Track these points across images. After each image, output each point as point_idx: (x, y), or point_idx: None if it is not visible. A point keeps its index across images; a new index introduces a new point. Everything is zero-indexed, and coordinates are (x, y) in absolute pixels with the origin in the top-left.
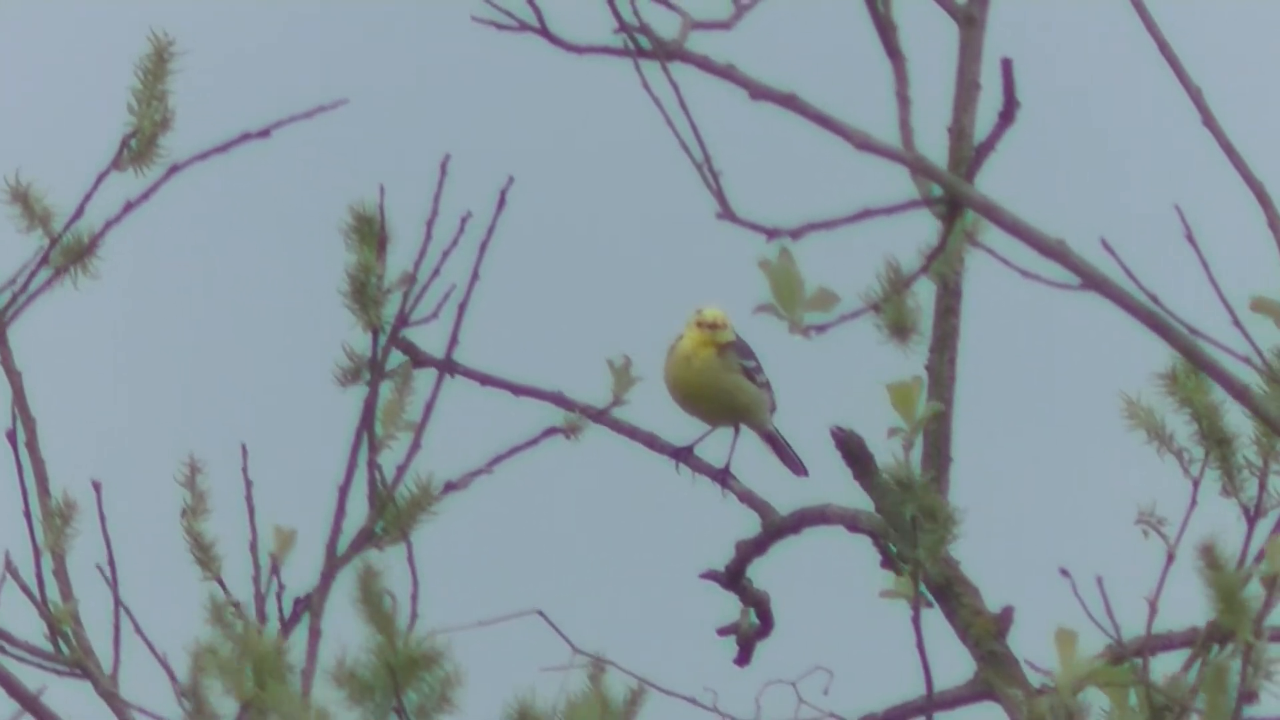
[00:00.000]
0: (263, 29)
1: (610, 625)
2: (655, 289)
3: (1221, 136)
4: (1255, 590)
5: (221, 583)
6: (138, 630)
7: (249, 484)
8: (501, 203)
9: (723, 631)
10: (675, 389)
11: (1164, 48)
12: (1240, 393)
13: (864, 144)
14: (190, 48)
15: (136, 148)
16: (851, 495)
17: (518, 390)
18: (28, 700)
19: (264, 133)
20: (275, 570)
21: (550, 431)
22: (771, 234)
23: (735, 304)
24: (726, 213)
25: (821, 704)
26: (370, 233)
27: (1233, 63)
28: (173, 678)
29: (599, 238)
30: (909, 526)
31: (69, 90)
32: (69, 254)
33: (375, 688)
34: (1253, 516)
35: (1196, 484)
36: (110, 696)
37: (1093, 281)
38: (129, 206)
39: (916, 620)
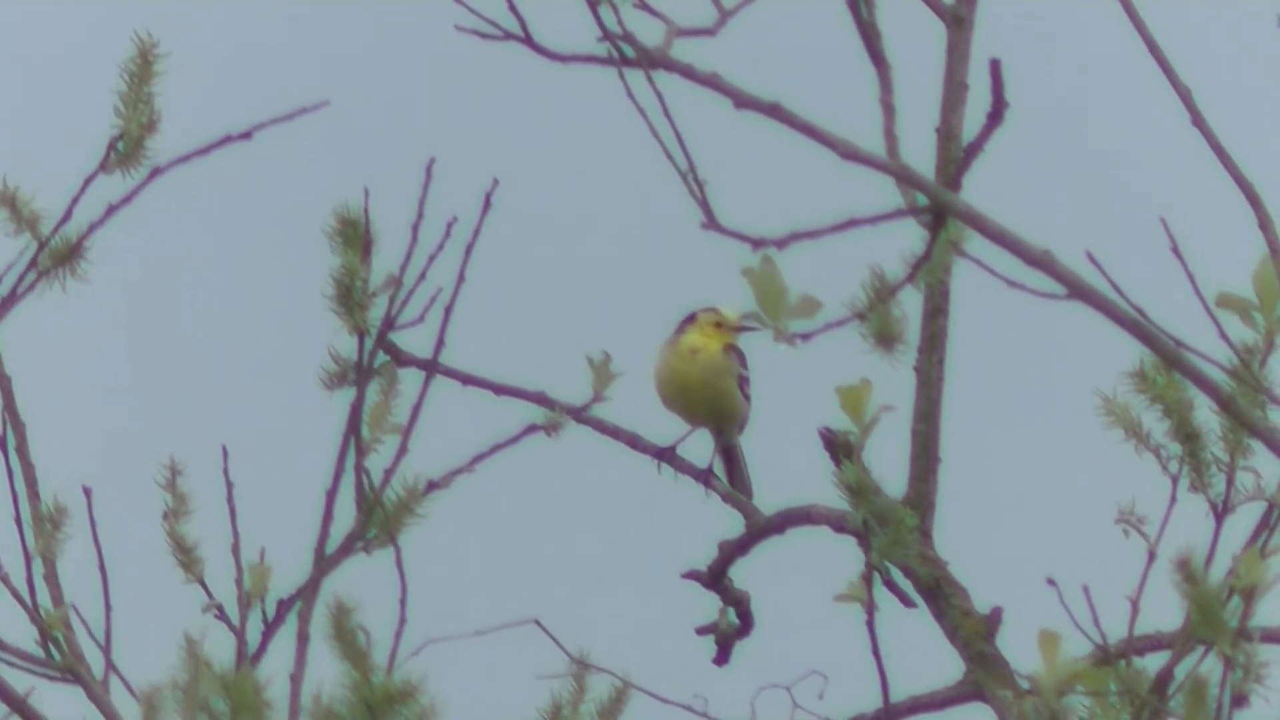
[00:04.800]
0: (250, 32)
1: (593, 626)
2: (640, 298)
3: (1211, 136)
4: (1233, 602)
5: (204, 584)
6: (107, 644)
7: (230, 485)
8: (487, 205)
9: (701, 630)
10: (670, 382)
11: (1153, 48)
12: (1226, 403)
13: (849, 153)
14: (175, 50)
15: (123, 150)
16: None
17: (500, 390)
18: (16, 702)
19: (246, 134)
20: (243, 613)
21: (531, 429)
22: (757, 243)
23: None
24: (711, 222)
25: (816, 708)
26: (355, 236)
27: (1222, 63)
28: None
29: (585, 246)
30: (863, 530)
31: (55, 93)
32: (57, 258)
33: None
34: (1221, 513)
35: (1175, 481)
36: (100, 702)
37: (1078, 291)
38: (111, 209)
39: (871, 625)
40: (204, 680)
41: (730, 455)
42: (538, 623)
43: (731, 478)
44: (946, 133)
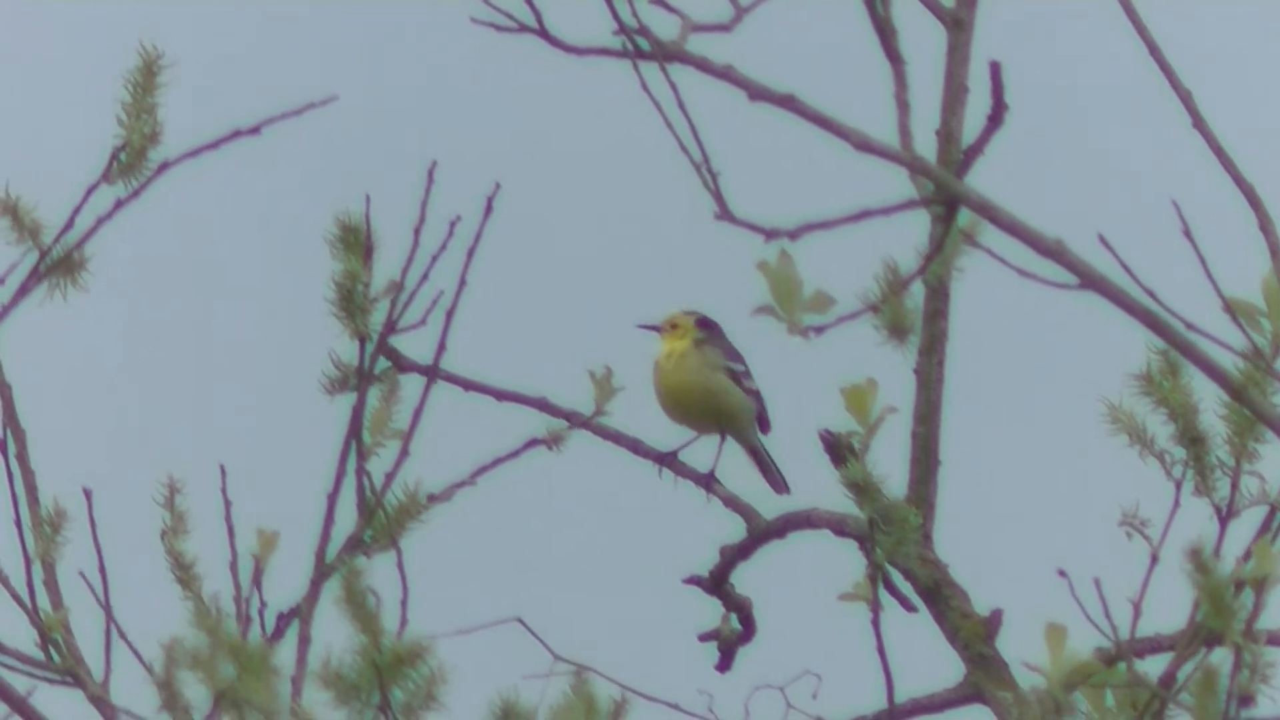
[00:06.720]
0: (256, 32)
1: (594, 631)
2: (653, 291)
3: (1211, 139)
4: (1243, 595)
5: (202, 600)
6: (122, 638)
7: (228, 504)
8: (488, 209)
9: (704, 637)
10: (661, 394)
11: (1154, 50)
12: (1238, 392)
13: (862, 144)
14: (179, 52)
15: (126, 160)
16: (840, 498)
17: (501, 396)
18: (17, 703)
19: (254, 130)
20: (258, 584)
21: (533, 442)
22: (770, 234)
23: (733, 306)
24: (725, 213)
25: (810, 709)
26: (356, 241)
27: (1222, 65)
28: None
29: (596, 239)
30: (867, 529)
31: (58, 102)
32: (58, 265)
33: (361, 687)
34: (1225, 517)
35: (1179, 485)
36: (101, 704)
37: (1091, 281)
38: (119, 203)
39: (876, 624)
40: (218, 639)
41: (757, 455)
42: (520, 621)
43: (765, 476)
44: (946, 135)
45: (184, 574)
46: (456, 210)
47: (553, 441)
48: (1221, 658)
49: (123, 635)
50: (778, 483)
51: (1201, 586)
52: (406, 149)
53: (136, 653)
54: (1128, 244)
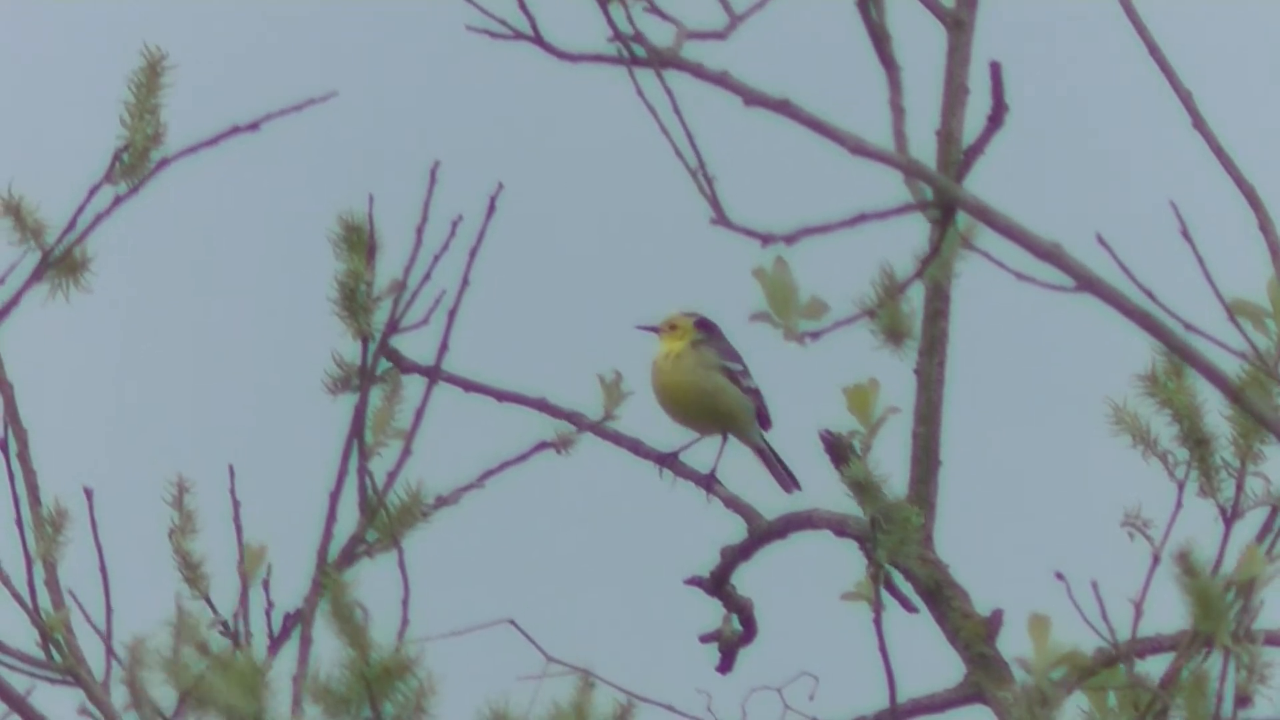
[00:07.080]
0: (256, 33)
1: (594, 632)
2: (649, 296)
3: (1212, 139)
4: (1233, 596)
5: (209, 601)
6: (108, 646)
7: (237, 504)
8: (491, 209)
9: (705, 639)
10: (658, 394)
11: (1154, 50)
12: (1235, 394)
13: (858, 148)
14: (180, 53)
15: (128, 161)
16: (840, 499)
17: (501, 397)
18: (16, 702)
19: (253, 126)
20: (265, 587)
21: (541, 446)
22: (766, 239)
23: (729, 310)
24: (721, 219)
25: (807, 709)
26: (359, 241)
27: (1223, 65)
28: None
29: (593, 244)
30: (869, 529)
31: (60, 103)
32: (60, 265)
33: (350, 701)
34: (1230, 518)
35: (1181, 486)
36: (102, 704)
37: (1088, 283)
38: (118, 200)
39: (878, 623)
40: (187, 638)
41: (763, 455)
42: (513, 622)
43: (774, 475)
44: (947, 135)
45: (191, 573)
46: (459, 210)
47: (561, 445)
48: (1218, 659)
49: (107, 641)
50: (787, 481)
51: (1190, 590)
52: (409, 148)
53: (114, 653)
54: (1127, 245)
